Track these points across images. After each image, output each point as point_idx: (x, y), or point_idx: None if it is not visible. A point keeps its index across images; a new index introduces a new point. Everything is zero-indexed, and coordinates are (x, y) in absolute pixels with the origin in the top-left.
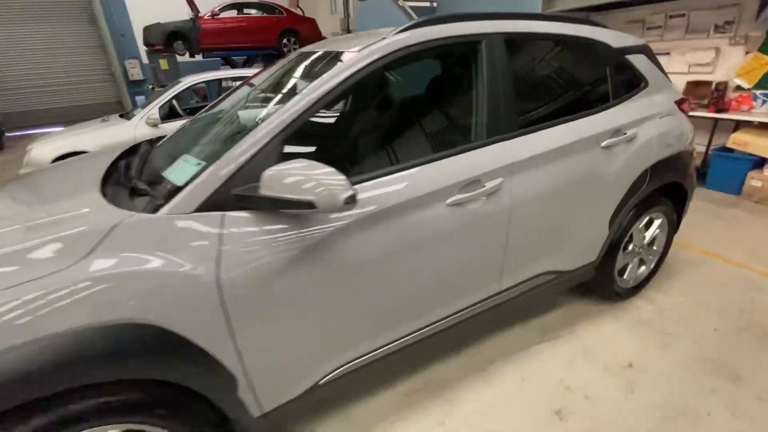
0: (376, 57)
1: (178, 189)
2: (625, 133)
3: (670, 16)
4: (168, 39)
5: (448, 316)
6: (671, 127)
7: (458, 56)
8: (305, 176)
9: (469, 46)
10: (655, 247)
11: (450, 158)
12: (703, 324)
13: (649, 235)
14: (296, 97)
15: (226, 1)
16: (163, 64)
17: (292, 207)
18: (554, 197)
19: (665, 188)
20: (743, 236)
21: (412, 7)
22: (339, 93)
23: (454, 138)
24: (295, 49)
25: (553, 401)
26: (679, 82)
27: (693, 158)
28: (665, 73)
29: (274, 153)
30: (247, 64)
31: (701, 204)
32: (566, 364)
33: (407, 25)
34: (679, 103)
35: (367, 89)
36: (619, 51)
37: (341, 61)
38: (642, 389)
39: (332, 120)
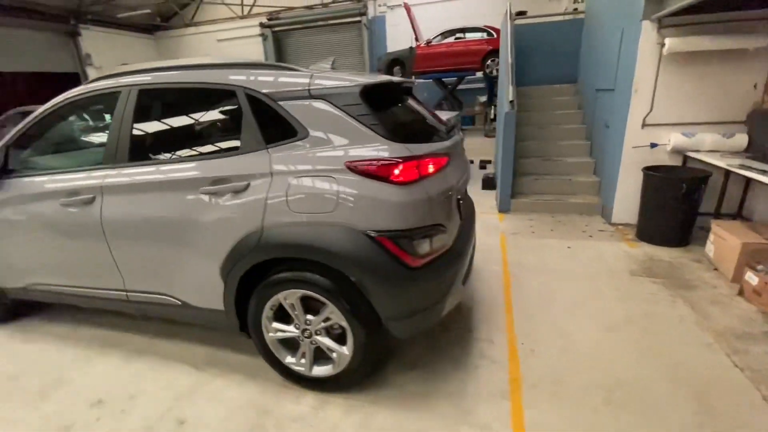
0: (60, 101)
1: None
2: (230, 184)
3: None
4: (390, 64)
5: (96, 288)
6: (309, 190)
7: (110, 102)
8: None
9: (112, 96)
10: (345, 348)
11: (74, 172)
12: None
13: (317, 320)
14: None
15: (450, 28)
16: None
17: None
18: (145, 226)
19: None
20: None
21: None
22: (44, 117)
23: (85, 158)
24: (497, 69)
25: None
26: None
27: (376, 244)
28: (374, 126)
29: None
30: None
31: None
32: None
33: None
34: (364, 164)
35: (57, 120)
36: (267, 96)
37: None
38: None
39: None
